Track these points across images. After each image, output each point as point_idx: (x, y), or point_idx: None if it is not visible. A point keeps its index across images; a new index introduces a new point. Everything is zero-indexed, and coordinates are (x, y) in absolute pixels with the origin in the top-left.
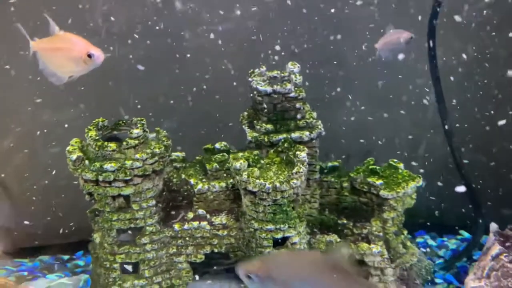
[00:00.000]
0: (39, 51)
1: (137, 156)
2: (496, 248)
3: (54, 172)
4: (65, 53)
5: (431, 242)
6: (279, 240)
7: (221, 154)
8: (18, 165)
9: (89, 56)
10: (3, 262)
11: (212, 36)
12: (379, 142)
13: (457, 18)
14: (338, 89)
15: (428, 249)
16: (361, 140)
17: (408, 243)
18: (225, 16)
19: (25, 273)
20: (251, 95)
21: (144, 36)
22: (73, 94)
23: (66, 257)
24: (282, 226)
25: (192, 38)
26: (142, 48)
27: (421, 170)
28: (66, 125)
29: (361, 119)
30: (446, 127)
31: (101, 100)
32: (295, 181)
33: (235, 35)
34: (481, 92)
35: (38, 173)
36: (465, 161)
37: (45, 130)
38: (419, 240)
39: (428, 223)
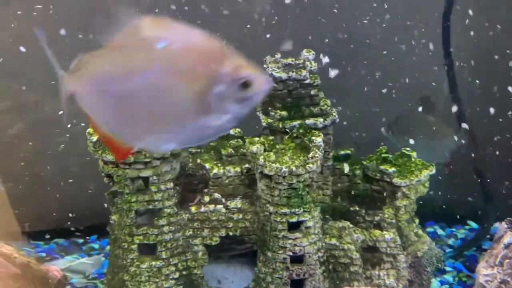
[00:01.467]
0: None
1: None
2: (509, 236)
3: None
4: None
5: (440, 231)
6: (294, 224)
7: (235, 140)
8: (29, 150)
9: None
10: (22, 243)
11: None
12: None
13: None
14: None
15: (438, 238)
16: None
17: (420, 231)
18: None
19: (43, 254)
20: None
21: None
22: None
23: (80, 240)
24: (297, 210)
25: None
26: None
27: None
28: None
29: (372, 109)
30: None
31: None
32: (310, 165)
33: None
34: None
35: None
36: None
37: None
38: (428, 229)
39: (436, 213)
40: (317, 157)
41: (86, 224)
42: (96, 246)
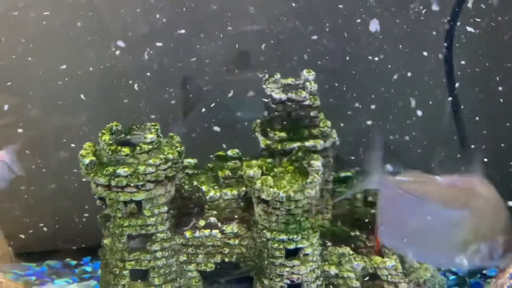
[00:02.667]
0: None
1: (151, 161)
2: None
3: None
4: None
5: None
6: (292, 251)
7: (233, 161)
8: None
9: None
10: (11, 266)
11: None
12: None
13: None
14: (352, 98)
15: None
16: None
17: None
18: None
19: (33, 278)
20: (265, 102)
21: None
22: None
23: (73, 262)
24: (295, 236)
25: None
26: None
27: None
28: (76, 130)
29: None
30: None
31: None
32: (309, 190)
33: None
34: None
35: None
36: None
37: (56, 134)
38: None
39: None
40: (316, 182)
41: (80, 245)
42: (89, 269)
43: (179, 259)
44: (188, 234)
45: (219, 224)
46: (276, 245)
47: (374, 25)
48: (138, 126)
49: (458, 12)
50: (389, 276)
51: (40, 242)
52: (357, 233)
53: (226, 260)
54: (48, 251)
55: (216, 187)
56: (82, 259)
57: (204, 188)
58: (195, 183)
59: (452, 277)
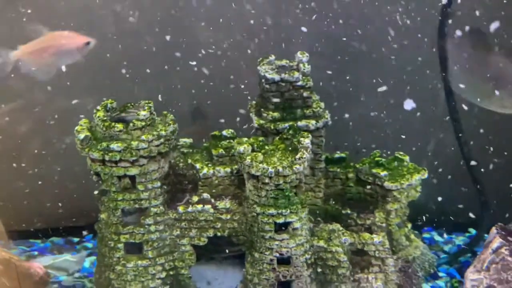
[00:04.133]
0: (24, 56)
1: (143, 137)
2: (497, 241)
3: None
4: (60, 48)
5: (438, 238)
6: (281, 225)
7: (227, 140)
8: (33, 150)
9: (87, 43)
10: (18, 242)
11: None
12: (390, 137)
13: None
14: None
15: (434, 244)
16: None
17: (412, 236)
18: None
19: (36, 253)
20: (260, 83)
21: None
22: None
23: (76, 239)
24: (284, 211)
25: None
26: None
27: (431, 166)
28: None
29: (372, 114)
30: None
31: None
32: (297, 166)
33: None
34: None
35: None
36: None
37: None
38: (425, 235)
39: (437, 220)
40: (304, 158)
41: (83, 223)
42: (89, 245)
43: (172, 233)
44: (181, 209)
45: (212, 200)
46: (265, 219)
47: (409, 104)
48: (132, 104)
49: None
50: (377, 252)
51: (45, 220)
52: (349, 211)
53: (218, 234)
54: (53, 228)
55: (209, 165)
56: (84, 237)
57: (198, 165)
58: (189, 161)
59: (443, 255)
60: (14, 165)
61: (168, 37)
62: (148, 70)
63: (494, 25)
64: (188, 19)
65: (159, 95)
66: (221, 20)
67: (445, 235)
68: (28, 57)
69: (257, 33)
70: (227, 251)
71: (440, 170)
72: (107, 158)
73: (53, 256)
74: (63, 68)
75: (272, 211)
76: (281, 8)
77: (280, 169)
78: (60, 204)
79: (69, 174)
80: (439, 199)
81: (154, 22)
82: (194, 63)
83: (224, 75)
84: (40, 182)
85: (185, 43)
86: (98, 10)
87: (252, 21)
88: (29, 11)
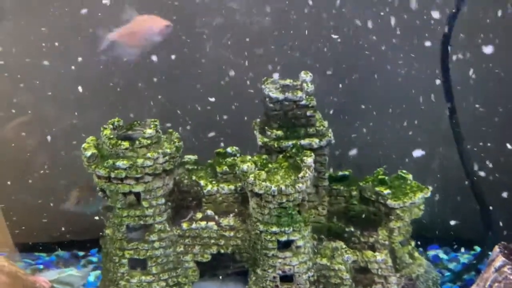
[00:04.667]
0: (118, 39)
1: (149, 155)
2: (500, 260)
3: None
4: (147, 31)
5: (442, 255)
6: (285, 243)
7: (232, 158)
8: (41, 164)
9: (167, 26)
10: (23, 255)
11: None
12: (393, 156)
13: None
14: (355, 101)
15: (439, 262)
16: (376, 152)
17: (416, 254)
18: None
19: (41, 267)
20: (264, 101)
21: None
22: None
23: (81, 253)
24: (286, 229)
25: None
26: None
27: (435, 184)
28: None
29: (376, 131)
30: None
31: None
32: (300, 185)
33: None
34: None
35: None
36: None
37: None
38: (431, 253)
39: (443, 238)
40: (307, 176)
41: (89, 236)
42: (95, 259)
43: (176, 250)
44: (185, 225)
45: (216, 217)
46: (268, 237)
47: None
48: (139, 122)
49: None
50: (379, 270)
51: (51, 234)
52: (352, 229)
53: (222, 251)
54: (59, 242)
55: (214, 182)
56: (89, 251)
57: (202, 182)
58: (193, 177)
59: (447, 273)
60: (22, 177)
61: None
62: None
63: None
64: None
65: None
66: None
67: (450, 253)
68: (122, 39)
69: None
70: (230, 267)
71: (446, 187)
72: (112, 175)
73: (58, 270)
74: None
75: (275, 229)
76: None
77: (283, 187)
78: (66, 218)
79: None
80: (444, 216)
81: None
82: None
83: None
84: (47, 196)
85: None
86: None
87: None
88: None
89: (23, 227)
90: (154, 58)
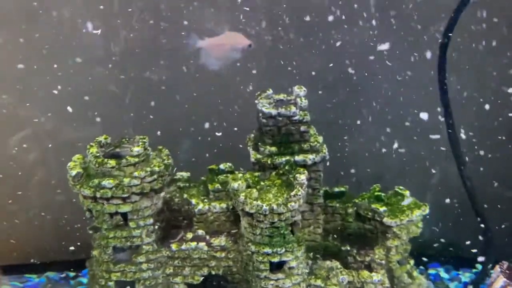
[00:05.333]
0: (207, 47)
1: (136, 173)
2: (501, 281)
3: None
4: (233, 46)
5: (443, 274)
6: (277, 264)
7: (224, 175)
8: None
9: (249, 45)
10: (13, 277)
11: None
12: (391, 170)
13: None
14: (351, 115)
15: (439, 281)
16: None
17: (415, 273)
18: None
19: None
20: (257, 117)
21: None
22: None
23: (72, 274)
24: (279, 249)
25: None
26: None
27: (434, 200)
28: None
29: (373, 146)
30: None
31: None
32: (293, 203)
33: None
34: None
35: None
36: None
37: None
38: (431, 271)
39: (444, 256)
40: (299, 195)
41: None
42: (85, 280)
43: (165, 271)
44: (174, 246)
45: (207, 237)
46: (260, 258)
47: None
48: (127, 139)
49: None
50: None
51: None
52: (348, 248)
53: (213, 273)
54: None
55: (205, 200)
56: (81, 271)
57: (193, 201)
58: (185, 195)
59: None
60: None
61: None
62: None
63: None
64: None
65: None
66: None
67: (451, 272)
68: (210, 48)
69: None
70: None
71: (447, 204)
72: (98, 195)
73: None
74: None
75: (267, 249)
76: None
77: (275, 206)
78: (60, 237)
79: (71, 207)
80: (445, 234)
81: None
82: None
83: None
84: (42, 214)
85: None
86: None
87: None
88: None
89: (14, 247)
90: None
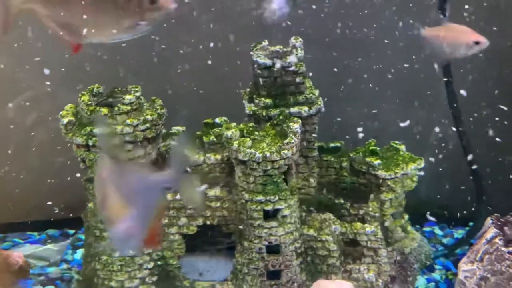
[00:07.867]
0: (428, 36)
1: (128, 121)
2: (492, 231)
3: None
4: (453, 39)
5: (438, 231)
6: (270, 212)
7: (219, 128)
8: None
9: (476, 43)
10: (14, 235)
11: None
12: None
13: None
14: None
15: (433, 237)
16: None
17: (409, 228)
18: None
19: (27, 245)
20: (252, 68)
21: None
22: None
23: (71, 231)
24: (272, 197)
25: None
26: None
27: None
28: None
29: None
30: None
31: None
32: (286, 151)
33: None
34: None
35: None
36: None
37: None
38: (426, 229)
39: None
40: (293, 142)
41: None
42: (83, 236)
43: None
44: (169, 196)
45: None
46: (254, 206)
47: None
48: (120, 89)
49: None
50: (369, 242)
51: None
52: (342, 201)
53: (208, 223)
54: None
55: (200, 152)
56: (80, 229)
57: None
58: None
59: (440, 247)
60: (15, 157)
61: None
62: None
63: None
64: None
65: None
66: None
67: (446, 229)
68: (431, 38)
69: None
70: (224, 243)
71: (443, 163)
72: (91, 143)
73: (36, 245)
74: None
75: (261, 197)
76: None
77: (268, 154)
78: (59, 196)
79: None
80: (441, 192)
81: None
82: None
83: None
84: (41, 175)
85: None
86: None
87: None
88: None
89: (15, 206)
90: None
